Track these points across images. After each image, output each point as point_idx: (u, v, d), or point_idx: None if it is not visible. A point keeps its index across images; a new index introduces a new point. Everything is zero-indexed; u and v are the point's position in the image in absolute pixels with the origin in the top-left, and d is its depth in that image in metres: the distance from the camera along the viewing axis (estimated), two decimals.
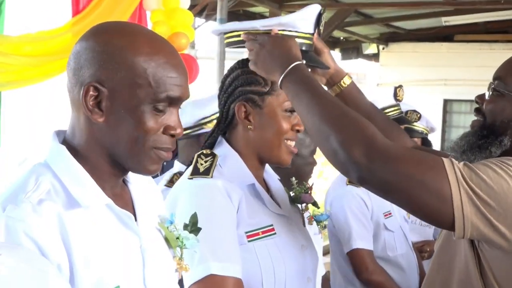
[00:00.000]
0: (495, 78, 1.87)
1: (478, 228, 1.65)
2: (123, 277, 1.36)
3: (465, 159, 1.87)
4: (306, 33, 2.00)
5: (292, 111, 2.01)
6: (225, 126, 2.06)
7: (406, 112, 3.91)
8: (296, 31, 1.97)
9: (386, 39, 12.34)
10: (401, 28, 11.60)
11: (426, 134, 4.05)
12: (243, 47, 1.99)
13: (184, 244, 1.56)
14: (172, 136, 1.42)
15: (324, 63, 2.08)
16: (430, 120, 4.04)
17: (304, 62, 1.88)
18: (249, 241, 1.90)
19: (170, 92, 1.38)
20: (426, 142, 4.08)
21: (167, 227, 1.57)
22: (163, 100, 1.38)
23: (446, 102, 11.98)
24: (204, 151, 2.01)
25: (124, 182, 1.52)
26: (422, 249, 3.71)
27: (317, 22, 2.01)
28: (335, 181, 3.50)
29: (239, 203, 1.91)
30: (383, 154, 1.64)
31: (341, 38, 12.48)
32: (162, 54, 1.38)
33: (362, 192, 3.29)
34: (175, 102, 1.41)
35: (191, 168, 1.97)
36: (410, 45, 12.16)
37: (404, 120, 3.51)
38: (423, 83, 11.77)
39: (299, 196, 2.21)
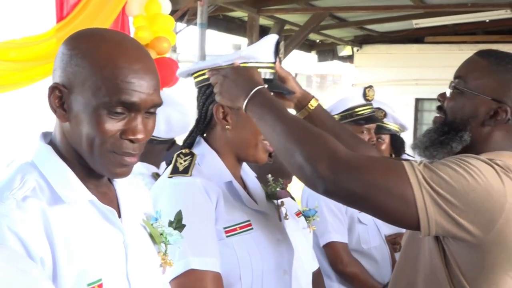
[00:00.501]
0: (456, 77, 1.89)
1: (442, 226, 1.68)
2: (106, 271, 1.36)
3: (428, 155, 1.89)
4: (267, 62, 2.02)
5: None
6: (204, 126, 2.07)
7: (373, 111, 3.94)
8: (257, 62, 2.00)
9: (360, 41, 12.39)
10: (374, 30, 11.67)
11: (397, 132, 4.06)
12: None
13: (168, 240, 1.57)
14: (132, 141, 1.39)
15: (289, 89, 2.11)
16: (398, 118, 4.05)
17: (266, 86, 1.90)
18: (227, 236, 1.91)
19: (124, 96, 1.35)
20: (396, 140, 4.10)
21: (152, 224, 1.57)
22: (116, 104, 1.35)
23: (417, 101, 12.05)
24: (183, 151, 2.01)
25: (110, 181, 1.52)
26: (394, 241, 3.73)
27: (276, 50, 2.04)
28: None
29: (217, 200, 1.92)
30: (345, 166, 1.67)
31: (317, 41, 12.52)
32: (122, 58, 1.36)
33: None
34: (134, 107, 1.37)
35: (170, 167, 1.97)
36: (383, 47, 12.23)
37: (376, 119, 3.53)
38: (395, 83, 11.84)
39: (275, 192, 2.22)
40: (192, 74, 2.08)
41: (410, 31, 11.19)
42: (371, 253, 3.33)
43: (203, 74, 2.03)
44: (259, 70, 1.99)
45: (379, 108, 3.95)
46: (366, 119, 3.44)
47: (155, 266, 1.55)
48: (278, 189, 2.23)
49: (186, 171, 1.94)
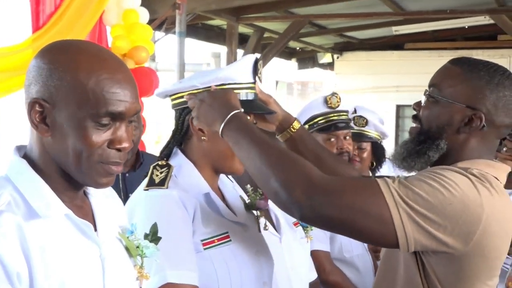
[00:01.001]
0: (430, 85, 1.90)
1: (420, 242, 1.69)
2: (83, 285, 1.36)
3: (406, 166, 1.90)
4: (246, 83, 2.02)
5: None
6: (180, 137, 2.07)
7: (354, 118, 3.95)
8: (235, 83, 1.99)
9: (340, 48, 12.46)
10: (354, 37, 11.74)
11: (378, 140, 4.07)
12: (186, 109, 2.02)
13: (144, 253, 1.57)
14: (119, 150, 1.41)
15: (270, 109, 2.11)
16: (379, 125, 4.06)
17: (243, 110, 1.90)
18: (205, 249, 1.90)
19: (111, 107, 1.37)
20: (377, 148, 4.11)
21: (128, 237, 1.56)
22: (104, 115, 1.37)
23: (398, 107, 12.12)
24: (160, 162, 2.01)
25: (85, 194, 1.51)
26: (376, 250, 3.73)
27: (254, 70, 2.03)
28: None
29: (194, 212, 1.92)
30: (321, 190, 1.68)
31: (297, 48, 12.56)
32: (104, 70, 1.38)
33: None
34: (119, 117, 1.40)
35: (147, 179, 1.97)
36: (363, 53, 12.30)
37: (346, 125, 3.51)
38: (376, 89, 11.92)
39: (254, 202, 2.22)
40: (170, 96, 2.08)
41: (390, 38, 11.28)
42: (354, 262, 3.33)
43: (181, 97, 2.03)
44: (238, 91, 1.99)
45: (360, 116, 3.96)
46: (333, 126, 3.42)
47: (131, 279, 1.54)
48: (257, 199, 2.23)
49: (162, 183, 1.93)
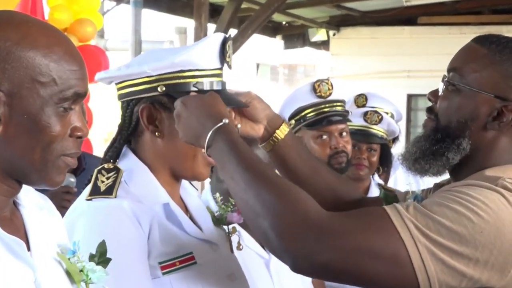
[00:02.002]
0: (450, 69, 1.90)
1: (446, 283, 1.68)
2: None
3: (418, 168, 1.91)
4: (212, 69, 2.02)
5: None
6: (129, 133, 2.06)
7: (366, 113, 3.97)
8: (197, 69, 2.00)
9: (337, 23, 12.48)
10: (355, 9, 11.76)
11: (386, 140, 4.11)
12: (134, 99, 2.03)
13: (90, 278, 1.56)
14: (79, 138, 1.45)
15: (241, 102, 2.09)
16: (393, 123, 4.08)
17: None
18: (163, 273, 1.91)
19: (76, 88, 1.42)
20: (383, 149, 4.14)
21: (69, 258, 1.56)
22: (70, 97, 1.41)
23: (410, 97, 12.18)
24: (106, 165, 2.01)
25: (15, 204, 1.51)
26: None
27: (222, 53, 2.03)
28: None
29: (150, 228, 1.92)
30: (318, 233, 1.68)
31: (284, 22, 12.58)
32: (61, 45, 1.41)
33: None
34: (80, 99, 1.44)
35: (89, 186, 1.97)
36: (366, 30, 12.34)
37: (343, 119, 3.52)
38: (382, 75, 11.94)
39: (225, 216, 2.23)
40: (117, 83, 2.08)
41: (399, 10, 11.30)
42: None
43: (129, 86, 2.03)
44: (201, 80, 1.99)
45: (375, 111, 3.98)
46: (324, 119, 3.44)
47: None
48: (228, 211, 2.24)
49: (109, 191, 1.93)
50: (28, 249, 1.46)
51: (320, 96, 3.45)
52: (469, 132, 1.85)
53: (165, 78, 1.99)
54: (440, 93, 1.92)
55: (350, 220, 1.73)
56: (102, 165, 2.01)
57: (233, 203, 2.23)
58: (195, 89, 1.99)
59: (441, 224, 1.68)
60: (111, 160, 2.06)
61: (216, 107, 1.89)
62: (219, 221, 2.22)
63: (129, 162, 2.04)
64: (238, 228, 2.35)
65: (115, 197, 1.92)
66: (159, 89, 1.99)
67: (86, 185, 2.00)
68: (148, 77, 2.00)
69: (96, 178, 1.97)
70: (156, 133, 2.01)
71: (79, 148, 1.46)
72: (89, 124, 5.87)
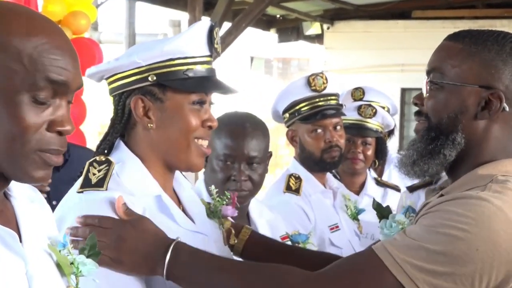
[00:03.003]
0: (429, 71, 1.92)
1: None
2: None
3: (418, 171, 1.92)
4: (201, 56, 2.04)
5: (201, 103, 2.03)
6: (122, 126, 2.07)
7: (360, 107, 3.98)
8: (187, 57, 2.01)
9: (332, 16, 12.49)
10: (349, 3, 11.76)
11: (381, 133, 4.11)
12: (125, 92, 2.03)
13: (80, 271, 1.56)
14: (61, 134, 1.41)
15: (232, 88, 2.10)
16: (387, 117, 4.09)
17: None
18: None
19: (51, 74, 1.38)
20: (380, 143, 4.14)
21: (59, 251, 1.56)
22: (44, 86, 1.38)
23: (404, 91, 12.19)
24: (98, 158, 2.01)
25: (6, 196, 1.51)
26: None
27: (209, 40, 2.05)
28: (271, 188, 3.54)
29: None
30: None
31: (278, 16, 12.58)
32: (43, 34, 1.39)
33: (302, 201, 3.34)
34: (61, 89, 1.41)
35: (81, 179, 1.97)
36: (360, 23, 12.35)
37: (337, 112, 3.52)
38: (376, 69, 11.96)
39: (219, 208, 2.23)
40: (107, 78, 2.08)
41: (393, 3, 11.33)
42: None
43: (119, 79, 2.04)
44: (191, 67, 2.01)
45: (369, 105, 3.99)
46: (319, 113, 3.44)
47: None
48: (223, 204, 2.23)
49: (100, 184, 1.93)
50: (20, 240, 1.45)
51: (314, 90, 3.45)
52: (461, 125, 1.86)
53: (155, 67, 2.00)
54: (425, 95, 1.93)
55: (339, 272, 1.76)
56: (94, 158, 2.01)
57: (228, 196, 2.24)
58: (185, 76, 2.01)
59: (436, 252, 1.68)
60: (103, 153, 2.06)
61: (156, 232, 1.88)
62: (213, 213, 2.22)
63: (121, 155, 2.05)
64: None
65: (106, 189, 1.92)
66: (149, 78, 2.00)
67: (77, 178, 2.00)
68: (138, 68, 2.00)
69: (88, 171, 1.97)
70: (149, 125, 2.01)
71: (62, 145, 1.42)
72: (83, 117, 5.86)
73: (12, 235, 1.42)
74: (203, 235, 2.08)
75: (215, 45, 2.06)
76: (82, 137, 5.61)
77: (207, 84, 2.04)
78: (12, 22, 1.38)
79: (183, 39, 2.02)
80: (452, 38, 1.91)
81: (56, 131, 1.40)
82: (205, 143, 2.06)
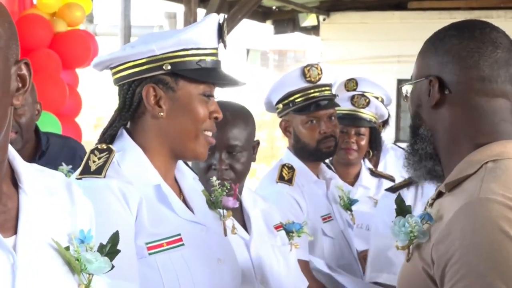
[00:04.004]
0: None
1: None
2: None
3: (423, 173, 1.97)
4: (210, 48, 2.07)
5: (210, 95, 2.06)
6: (130, 114, 2.08)
7: (353, 97, 4.00)
8: (199, 48, 2.04)
9: (328, 8, 12.46)
10: None
11: (375, 123, 4.13)
12: (136, 80, 2.05)
13: (86, 268, 1.53)
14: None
15: (236, 79, 2.13)
16: (381, 107, 4.10)
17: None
18: (150, 253, 1.94)
19: None
20: (374, 134, 4.16)
21: (67, 247, 1.52)
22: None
23: (400, 82, 12.15)
24: (99, 146, 2.03)
25: (16, 188, 1.51)
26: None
27: (219, 33, 2.09)
28: (263, 178, 3.55)
29: (138, 209, 1.94)
30: None
31: (274, 7, 12.55)
32: None
33: (295, 191, 3.36)
34: None
35: (81, 166, 1.99)
36: (356, 15, 12.33)
37: (331, 103, 3.55)
38: (372, 60, 11.95)
39: (220, 199, 2.25)
40: (112, 68, 2.09)
41: None
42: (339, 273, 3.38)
43: (131, 67, 2.04)
44: (201, 58, 2.05)
45: (362, 95, 4.01)
46: (313, 104, 3.47)
47: None
48: (224, 195, 2.26)
49: (99, 171, 1.95)
50: (15, 232, 1.46)
51: (309, 81, 3.47)
52: (422, 118, 1.92)
53: (169, 56, 2.03)
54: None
55: None
56: (96, 146, 2.03)
57: (228, 186, 2.26)
58: (198, 66, 2.04)
59: None
60: (107, 141, 2.08)
61: None
62: (214, 204, 2.24)
63: (123, 144, 2.07)
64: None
65: (104, 177, 1.94)
66: (164, 67, 2.03)
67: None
68: (152, 56, 2.02)
69: (88, 158, 1.99)
70: (160, 114, 2.04)
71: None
72: (79, 110, 5.88)
73: None
74: (202, 225, 2.09)
75: (224, 37, 2.10)
76: (78, 129, 5.62)
77: (217, 75, 2.07)
78: None
79: (198, 30, 2.05)
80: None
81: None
82: (210, 134, 2.09)
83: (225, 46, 2.14)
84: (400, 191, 3.08)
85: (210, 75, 2.06)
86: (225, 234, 2.22)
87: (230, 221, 2.28)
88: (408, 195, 3.04)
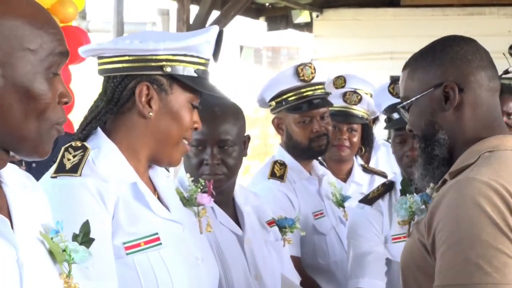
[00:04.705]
0: (400, 102, 2.15)
1: None
2: None
3: (431, 179, 2.10)
4: (206, 59, 2.09)
5: (195, 106, 2.08)
6: (117, 109, 2.07)
7: (345, 93, 4.01)
8: (198, 57, 2.06)
9: (321, 5, 12.45)
10: None
11: (367, 120, 4.14)
12: (129, 75, 2.05)
13: (73, 258, 1.56)
14: (66, 103, 1.48)
15: (222, 93, 2.18)
16: (372, 103, 4.12)
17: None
18: (127, 253, 1.94)
19: (60, 48, 1.46)
20: (366, 130, 4.17)
21: (52, 238, 1.56)
22: (57, 60, 1.46)
23: (393, 79, 12.20)
24: (73, 143, 2.01)
25: None
26: None
27: (216, 46, 2.11)
28: (255, 175, 3.57)
29: (115, 207, 1.94)
30: None
31: (267, 4, 12.54)
32: (41, 11, 1.47)
33: (286, 188, 3.37)
34: (64, 59, 1.48)
35: (56, 164, 1.97)
36: (349, 11, 12.32)
37: (325, 102, 3.56)
38: (365, 57, 11.95)
39: (194, 196, 2.26)
40: (102, 57, 2.09)
41: None
42: (330, 270, 3.39)
43: (129, 61, 2.03)
44: (200, 67, 2.06)
45: (354, 92, 4.02)
46: (306, 103, 3.48)
47: None
48: (198, 192, 2.27)
49: (74, 169, 1.94)
50: (11, 227, 1.46)
51: (303, 80, 3.49)
52: (437, 124, 2.06)
53: (171, 59, 2.03)
54: (406, 120, 2.15)
55: None
56: (70, 143, 2.02)
57: (203, 183, 2.26)
58: (195, 75, 2.05)
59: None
60: (82, 138, 2.06)
61: None
62: (189, 202, 2.25)
63: (98, 141, 2.05)
64: (212, 204, 2.37)
65: (80, 175, 1.93)
66: (164, 69, 2.03)
67: (55, 162, 2.00)
68: (155, 55, 2.02)
69: (63, 156, 1.98)
70: (149, 114, 2.03)
71: (65, 116, 1.48)
72: (71, 106, 5.87)
73: (4, 221, 1.44)
74: (179, 224, 2.09)
75: (219, 51, 2.13)
76: (71, 125, 5.62)
77: (209, 85, 2.08)
78: (17, 6, 1.43)
79: (203, 39, 2.05)
80: (403, 69, 2.13)
81: (64, 102, 1.50)
82: (186, 142, 2.11)
83: (216, 60, 2.15)
84: (375, 203, 3.08)
85: (203, 84, 2.06)
86: (201, 232, 2.23)
87: (205, 219, 2.29)
88: (383, 205, 3.03)
